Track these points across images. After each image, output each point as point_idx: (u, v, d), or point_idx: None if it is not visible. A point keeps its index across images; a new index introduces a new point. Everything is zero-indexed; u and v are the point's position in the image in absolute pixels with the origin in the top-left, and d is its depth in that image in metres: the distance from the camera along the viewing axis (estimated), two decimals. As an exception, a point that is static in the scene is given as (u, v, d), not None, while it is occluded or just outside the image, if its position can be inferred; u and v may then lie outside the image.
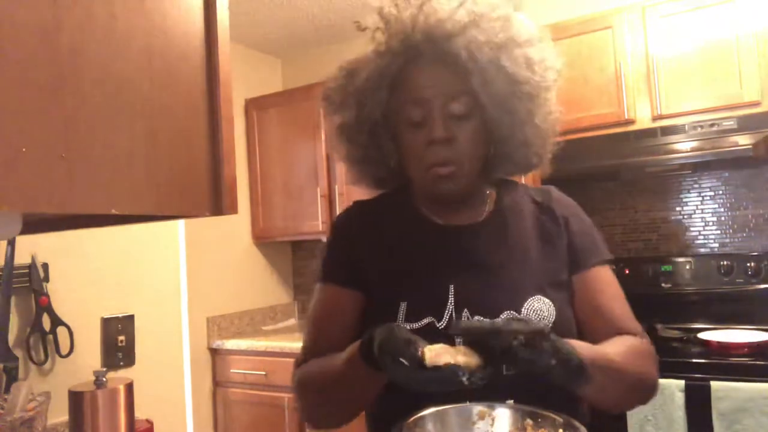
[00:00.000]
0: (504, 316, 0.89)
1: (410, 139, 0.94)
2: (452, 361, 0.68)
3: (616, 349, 0.89)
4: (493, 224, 0.99)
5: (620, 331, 0.94)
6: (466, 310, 0.91)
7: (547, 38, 0.94)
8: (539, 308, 0.91)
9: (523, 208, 1.02)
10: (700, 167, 2.39)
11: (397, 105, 0.94)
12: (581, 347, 0.79)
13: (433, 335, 0.86)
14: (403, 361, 0.70)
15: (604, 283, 0.98)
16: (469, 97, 0.90)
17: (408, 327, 0.90)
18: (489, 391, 0.75)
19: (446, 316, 0.91)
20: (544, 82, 0.92)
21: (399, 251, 1.00)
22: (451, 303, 0.92)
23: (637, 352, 0.91)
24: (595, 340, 0.92)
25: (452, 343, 0.81)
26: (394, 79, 0.94)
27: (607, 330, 0.94)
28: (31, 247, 1.41)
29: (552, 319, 0.90)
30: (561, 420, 0.72)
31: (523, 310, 0.90)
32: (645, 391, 0.93)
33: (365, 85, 0.95)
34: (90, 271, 1.54)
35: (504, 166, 1.00)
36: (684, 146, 2.15)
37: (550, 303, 0.92)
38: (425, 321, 0.91)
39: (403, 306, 0.93)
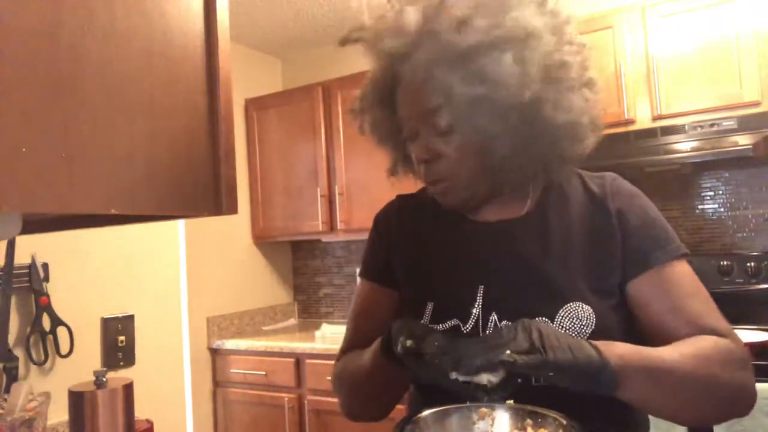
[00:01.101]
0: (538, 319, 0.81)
1: (412, 155, 0.93)
2: None
3: (679, 349, 0.77)
4: (533, 220, 0.91)
5: (703, 332, 0.81)
6: (494, 313, 0.85)
7: (532, 34, 0.80)
8: (576, 315, 0.82)
9: (572, 201, 0.92)
10: (700, 167, 2.39)
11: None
12: (614, 348, 0.71)
13: (459, 336, 0.86)
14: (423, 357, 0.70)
15: (676, 281, 0.85)
16: (447, 109, 0.83)
17: (434, 327, 0.87)
18: (528, 400, 0.75)
19: (473, 319, 0.86)
20: (513, 90, 0.79)
21: (431, 249, 0.97)
22: (478, 305, 0.87)
23: (710, 354, 0.77)
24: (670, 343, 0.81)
25: None
26: (390, 96, 0.91)
27: (689, 332, 0.81)
28: (31, 247, 1.41)
29: (591, 328, 0.82)
30: (561, 420, 0.72)
31: (557, 316, 0.82)
32: (730, 401, 0.79)
33: (371, 97, 0.94)
34: (90, 271, 1.54)
35: (511, 174, 0.89)
36: (684, 146, 2.15)
37: (591, 310, 0.82)
38: (451, 323, 0.87)
39: (430, 306, 0.90)
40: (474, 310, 0.87)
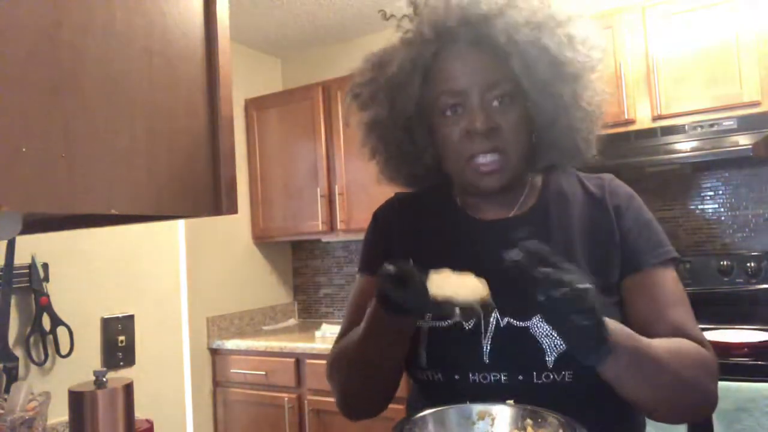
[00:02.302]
0: (538, 318, 0.82)
1: (448, 132, 0.88)
2: (452, 295, 0.72)
3: (667, 345, 0.80)
4: (534, 218, 0.92)
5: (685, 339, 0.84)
6: (495, 310, 0.86)
7: (587, 16, 0.89)
8: None
9: (572, 200, 0.93)
10: (700, 167, 2.39)
11: (432, 96, 0.89)
12: (614, 326, 0.73)
13: (459, 337, 0.86)
14: (409, 285, 0.71)
15: (663, 287, 0.87)
16: (509, 82, 0.84)
17: (435, 325, 0.88)
18: (528, 400, 0.74)
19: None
20: (589, 61, 0.86)
21: (433, 246, 0.96)
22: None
23: (691, 358, 0.81)
24: None
25: (479, 350, 0.84)
26: (427, 69, 0.88)
27: (668, 337, 0.84)
28: (31, 247, 1.41)
29: None
30: (561, 420, 0.72)
31: None
32: (695, 405, 0.83)
33: (396, 77, 0.89)
34: (90, 271, 1.54)
35: (549, 154, 0.93)
36: (684, 146, 2.15)
37: None
38: (453, 320, 0.86)
39: None
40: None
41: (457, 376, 0.86)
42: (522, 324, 0.84)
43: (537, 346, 0.82)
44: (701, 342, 0.85)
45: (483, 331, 0.86)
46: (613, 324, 0.73)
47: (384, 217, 1.04)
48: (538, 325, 0.83)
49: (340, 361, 0.95)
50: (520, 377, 0.83)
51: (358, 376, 0.92)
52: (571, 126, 0.88)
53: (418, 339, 0.89)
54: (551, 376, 0.81)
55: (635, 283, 0.87)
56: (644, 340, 0.77)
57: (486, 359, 0.85)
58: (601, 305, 0.69)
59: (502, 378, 0.83)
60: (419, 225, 0.99)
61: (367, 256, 1.03)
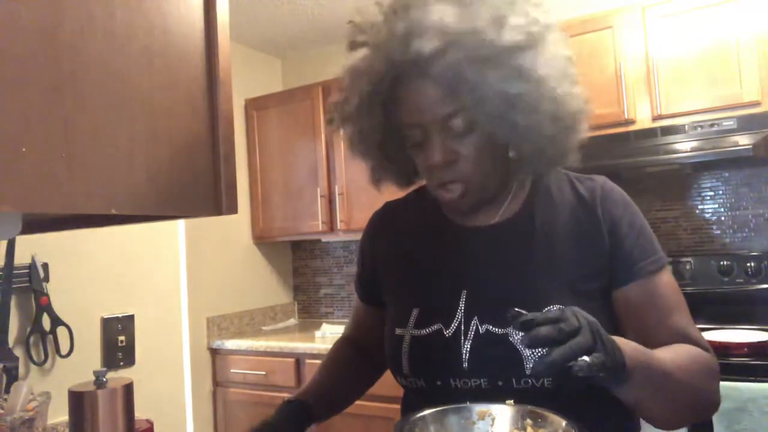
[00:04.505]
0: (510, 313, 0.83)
1: (416, 159, 0.90)
2: None
3: (674, 356, 0.80)
4: (517, 224, 0.92)
5: (689, 343, 0.86)
6: (475, 317, 0.87)
7: (551, 29, 0.83)
8: None
9: (559, 204, 0.93)
10: (700, 167, 2.39)
11: (398, 124, 0.89)
12: (625, 345, 0.72)
13: (439, 344, 0.87)
14: None
15: (662, 293, 0.88)
16: (465, 112, 0.82)
17: (416, 333, 0.90)
18: (528, 400, 0.75)
19: (455, 324, 0.88)
20: (545, 87, 0.81)
21: (417, 255, 0.98)
22: (461, 310, 0.88)
23: (698, 365, 0.82)
24: None
25: (459, 356, 0.85)
26: (387, 96, 0.88)
27: (672, 342, 0.85)
28: (31, 247, 1.41)
29: None
30: (561, 420, 0.72)
31: None
32: (702, 410, 0.86)
33: (359, 107, 0.89)
34: (90, 271, 1.54)
35: (524, 168, 0.91)
36: (684, 146, 2.15)
37: None
38: (433, 327, 0.89)
39: (415, 312, 0.91)
40: (457, 315, 0.88)
41: (439, 382, 0.88)
42: (501, 331, 0.85)
43: (516, 352, 0.83)
44: (702, 345, 0.86)
45: (462, 337, 0.87)
46: (625, 345, 0.72)
47: (373, 229, 1.09)
48: (517, 332, 0.83)
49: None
50: (500, 383, 0.83)
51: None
52: (539, 145, 0.85)
53: (400, 347, 0.91)
54: (530, 382, 0.82)
55: (634, 293, 0.87)
56: (656, 356, 0.77)
57: (466, 365, 0.85)
58: (604, 334, 0.68)
59: (483, 383, 0.84)
60: (405, 234, 1.02)
61: (358, 278, 1.12)
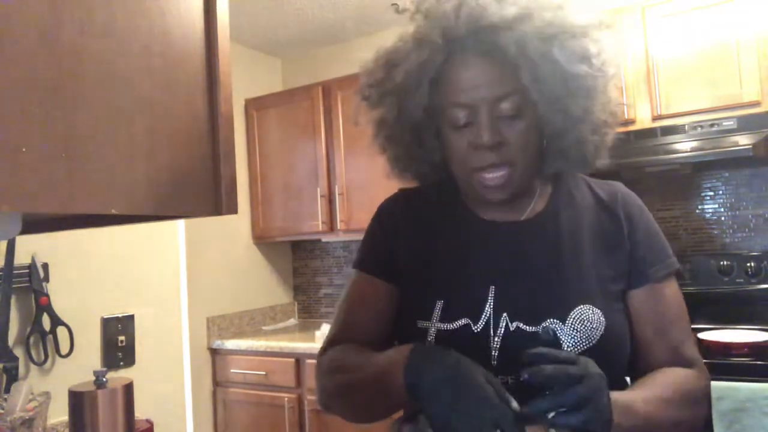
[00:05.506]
0: (547, 324, 0.83)
1: (455, 141, 0.87)
2: None
3: (660, 391, 0.82)
4: (544, 222, 0.92)
5: (678, 360, 0.88)
6: (504, 314, 0.85)
7: (606, 25, 0.85)
8: (587, 318, 0.83)
9: (582, 206, 0.93)
10: (700, 167, 2.39)
11: (441, 103, 0.87)
12: (614, 397, 0.73)
13: (467, 339, 0.85)
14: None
15: (667, 302, 0.90)
16: (519, 95, 0.82)
17: (443, 327, 0.87)
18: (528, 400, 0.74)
19: (483, 319, 0.85)
20: (602, 76, 0.83)
21: (440, 246, 0.94)
22: (490, 305, 0.86)
23: (685, 394, 0.84)
24: (649, 363, 0.88)
25: (488, 353, 0.83)
26: (436, 75, 0.86)
27: (665, 357, 0.88)
28: (31, 247, 1.41)
29: (601, 331, 0.83)
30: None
31: (568, 318, 0.83)
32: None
33: (405, 81, 0.87)
34: (90, 271, 1.54)
35: (557, 162, 0.92)
36: (684, 146, 2.15)
37: (601, 313, 0.84)
38: (461, 322, 0.86)
39: (439, 305, 0.88)
40: (485, 310, 0.86)
41: None
42: (531, 329, 0.84)
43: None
44: (697, 363, 0.89)
45: (492, 334, 0.85)
46: (618, 404, 0.73)
47: (389, 215, 1.01)
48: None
49: (335, 377, 0.92)
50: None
51: (354, 405, 0.92)
52: (581, 138, 0.87)
53: (423, 341, 0.88)
54: None
55: (642, 297, 0.89)
56: (636, 400, 0.78)
57: (494, 362, 0.84)
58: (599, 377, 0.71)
59: (509, 380, 0.83)
60: (426, 224, 0.97)
61: (369, 254, 0.99)
